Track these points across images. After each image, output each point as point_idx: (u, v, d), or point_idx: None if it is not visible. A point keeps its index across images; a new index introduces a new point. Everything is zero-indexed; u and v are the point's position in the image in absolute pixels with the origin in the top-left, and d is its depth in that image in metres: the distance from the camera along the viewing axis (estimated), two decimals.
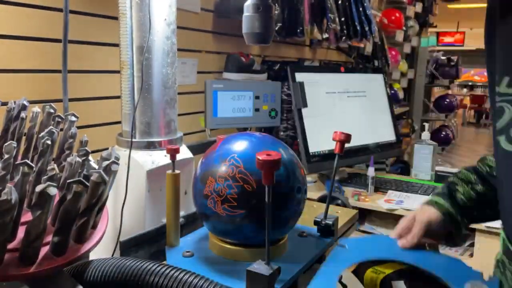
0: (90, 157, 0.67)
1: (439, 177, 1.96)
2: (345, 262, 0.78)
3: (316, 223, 0.85)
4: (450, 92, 6.83)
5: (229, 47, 1.94)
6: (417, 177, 2.01)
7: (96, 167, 0.63)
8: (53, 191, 0.51)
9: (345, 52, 3.14)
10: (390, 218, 1.74)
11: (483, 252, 1.51)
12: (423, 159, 1.99)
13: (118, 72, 0.96)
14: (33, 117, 0.75)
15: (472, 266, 0.80)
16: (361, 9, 2.57)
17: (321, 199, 1.18)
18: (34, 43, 1.19)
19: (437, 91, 6.46)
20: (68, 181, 0.55)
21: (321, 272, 0.72)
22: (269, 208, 0.61)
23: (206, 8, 1.80)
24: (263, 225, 0.63)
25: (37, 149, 0.67)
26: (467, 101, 12.41)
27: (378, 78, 2.17)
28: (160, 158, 0.94)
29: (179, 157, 0.80)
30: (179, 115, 1.02)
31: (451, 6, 7.20)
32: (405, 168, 2.51)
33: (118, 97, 0.98)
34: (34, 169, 0.58)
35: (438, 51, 5.74)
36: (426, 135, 2.04)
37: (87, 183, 0.55)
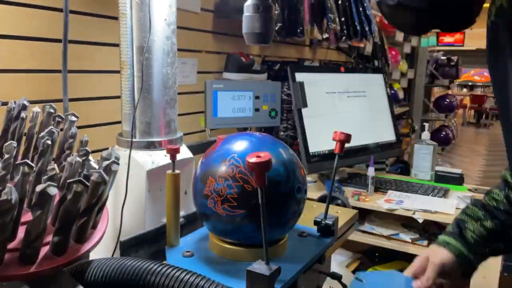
0: (90, 157, 0.67)
1: (439, 177, 1.96)
2: None
3: (316, 223, 0.85)
4: (450, 92, 6.84)
5: (229, 47, 1.94)
6: (417, 177, 2.01)
7: (96, 167, 0.63)
8: (53, 191, 0.51)
9: (345, 52, 3.14)
10: (390, 218, 1.74)
11: None
12: (423, 159, 2.00)
13: (118, 72, 0.96)
14: (33, 117, 0.75)
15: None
16: (361, 9, 2.57)
17: (321, 199, 1.18)
18: (34, 43, 1.19)
19: (437, 91, 6.46)
20: (68, 181, 0.55)
21: None
22: (263, 210, 0.61)
23: (206, 8, 1.80)
24: (266, 223, 0.63)
25: (37, 149, 0.67)
26: (467, 101, 12.41)
27: (378, 78, 2.17)
28: (160, 158, 0.94)
29: (179, 157, 0.80)
30: (179, 115, 1.02)
31: None
32: (405, 168, 2.51)
33: (118, 97, 0.98)
34: (34, 169, 0.58)
35: (438, 51, 5.74)
36: (426, 135, 2.04)
37: (87, 183, 0.55)
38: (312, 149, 1.75)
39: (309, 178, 1.90)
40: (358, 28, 2.51)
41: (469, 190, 1.87)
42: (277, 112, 1.82)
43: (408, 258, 1.85)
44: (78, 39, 1.28)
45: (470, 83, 14.62)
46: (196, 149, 1.13)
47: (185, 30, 1.69)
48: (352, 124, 1.95)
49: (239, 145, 0.74)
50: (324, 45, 2.66)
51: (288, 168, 0.73)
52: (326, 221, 0.84)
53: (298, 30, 2.11)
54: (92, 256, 0.67)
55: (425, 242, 1.64)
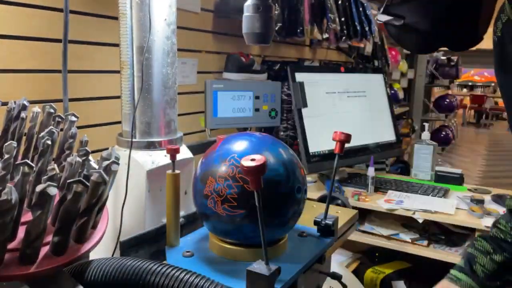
0: (90, 157, 0.67)
1: (439, 177, 1.96)
2: None
3: (316, 223, 0.85)
4: (450, 92, 6.84)
5: (229, 47, 1.94)
6: (417, 177, 2.01)
7: (96, 167, 0.63)
8: (53, 191, 0.51)
9: (345, 52, 3.14)
10: (390, 218, 1.74)
11: None
12: (423, 159, 2.00)
13: (118, 72, 0.96)
14: (33, 117, 0.75)
15: None
16: (361, 9, 2.57)
17: (321, 199, 1.18)
18: (34, 43, 1.19)
19: (437, 91, 6.46)
20: (68, 181, 0.55)
21: None
22: (261, 213, 0.61)
23: (206, 8, 1.80)
24: (263, 225, 0.63)
25: (37, 149, 0.67)
26: (467, 101, 12.41)
27: (378, 78, 2.17)
28: (160, 158, 0.94)
29: (179, 157, 0.80)
30: (179, 115, 1.02)
31: None
32: (405, 168, 2.51)
33: (118, 97, 0.98)
34: (34, 169, 0.58)
35: (438, 51, 5.74)
36: (426, 135, 2.04)
37: (87, 183, 0.55)
38: (312, 149, 1.75)
39: (309, 178, 1.90)
40: (358, 28, 2.51)
41: (469, 190, 1.87)
42: (277, 112, 1.82)
43: (408, 258, 1.86)
44: (78, 39, 1.28)
45: (470, 83, 14.62)
46: (196, 149, 1.13)
47: (185, 30, 1.69)
48: (352, 124, 1.96)
49: (239, 145, 0.74)
50: (324, 45, 2.66)
51: (288, 168, 0.73)
52: (326, 221, 0.84)
53: (298, 30, 2.11)
54: (92, 256, 0.67)
55: (425, 242, 1.64)
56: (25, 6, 1.15)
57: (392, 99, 2.93)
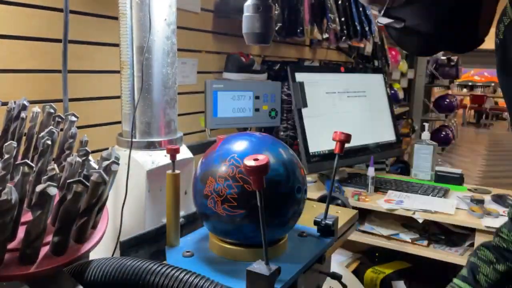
0: (90, 157, 0.67)
1: (439, 177, 1.96)
2: None
3: (316, 223, 0.85)
4: (450, 92, 6.84)
5: (229, 47, 1.94)
6: (417, 177, 2.01)
7: (96, 167, 0.63)
8: (53, 191, 0.51)
9: (345, 52, 3.14)
10: (390, 218, 1.74)
11: None
12: (423, 159, 2.00)
13: (118, 72, 0.96)
14: (33, 117, 0.75)
15: None
16: (361, 9, 2.57)
17: (321, 199, 1.18)
18: (34, 43, 1.19)
19: (437, 91, 6.45)
20: (68, 181, 0.55)
21: None
22: (262, 213, 0.61)
23: (206, 8, 1.80)
24: (265, 225, 0.63)
25: (37, 149, 0.67)
26: (467, 101, 12.41)
27: (378, 78, 2.17)
28: (160, 158, 0.94)
29: (179, 157, 0.80)
30: (179, 115, 1.02)
31: None
32: (405, 168, 2.51)
33: (118, 97, 0.98)
34: (34, 169, 0.58)
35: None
36: (426, 135, 2.04)
37: (87, 183, 0.55)
38: (312, 149, 1.75)
39: (309, 178, 1.90)
40: (358, 28, 2.51)
41: (469, 190, 1.88)
42: (277, 112, 1.82)
43: (408, 258, 1.86)
44: (78, 39, 1.28)
45: (470, 83, 14.63)
46: (196, 149, 1.13)
47: (185, 30, 1.69)
48: (352, 124, 1.95)
49: (239, 145, 0.74)
50: (324, 45, 2.66)
51: (288, 168, 0.73)
52: (326, 221, 0.84)
53: (298, 30, 2.11)
54: (92, 256, 0.67)
55: (425, 242, 1.64)
56: (25, 6, 1.15)
57: (392, 99, 2.92)
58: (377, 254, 1.93)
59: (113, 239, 0.86)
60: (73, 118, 0.75)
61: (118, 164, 0.63)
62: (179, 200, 0.79)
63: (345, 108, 1.94)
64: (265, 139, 0.77)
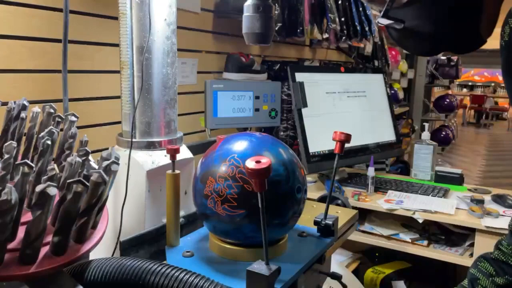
0: (90, 157, 0.67)
1: (439, 177, 1.96)
2: None
3: (316, 223, 0.85)
4: (450, 92, 6.84)
5: (229, 47, 1.94)
6: (417, 177, 2.01)
7: (96, 167, 0.63)
8: (53, 191, 0.51)
9: (345, 52, 3.14)
10: (390, 218, 1.74)
11: (483, 252, 1.51)
12: (423, 159, 2.00)
13: (118, 72, 0.96)
14: (33, 117, 0.75)
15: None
16: (361, 9, 2.57)
17: (321, 199, 1.18)
18: (34, 43, 1.19)
19: (437, 91, 6.46)
20: (68, 181, 0.55)
21: None
22: (263, 213, 0.61)
23: (206, 8, 1.80)
24: (266, 226, 0.63)
25: (37, 149, 0.67)
26: (467, 101, 12.41)
27: (378, 78, 2.17)
28: (160, 158, 0.94)
29: (179, 157, 0.80)
30: (179, 115, 1.02)
31: None
32: (405, 168, 2.51)
33: (118, 97, 0.98)
34: (34, 169, 0.58)
35: None
36: (426, 135, 2.04)
37: (87, 183, 0.55)
38: (312, 149, 1.75)
39: (309, 178, 1.90)
40: (358, 28, 2.51)
41: (469, 190, 1.87)
42: (277, 112, 1.82)
43: (408, 258, 1.86)
44: (78, 39, 1.28)
45: (470, 83, 14.64)
46: (196, 149, 1.13)
47: (185, 30, 1.69)
48: (352, 124, 1.96)
49: (239, 145, 0.74)
50: (324, 45, 2.66)
51: (288, 168, 0.73)
52: (326, 221, 0.84)
53: (298, 30, 2.11)
54: (92, 256, 0.67)
55: (425, 242, 1.64)
56: (25, 6, 1.15)
57: (392, 99, 2.93)
58: (377, 254, 1.94)
59: (113, 239, 0.86)
60: (73, 118, 0.75)
61: (118, 164, 0.63)
62: (179, 200, 0.79)
63: (345, 108, 1.94)
64: (265, 139, 0.77)
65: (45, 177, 0.55)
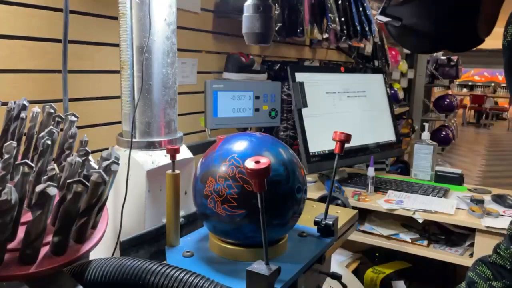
0: (90, 157, 0.67)
1: (439, 177, 1.96)
2: None
3: (316, 223, 0.85)
4: (450, 92, 6.83)
5: (229, 47, 1.94)
6: (417, 177, 2.01)
7: (96, 167, 0.63)
8: (53, 191, 0.51)
9: (345, 52, 3.14)
10: (390, 218, 1.74)
11: (483, 252, 1.51)
12: (423, 159, 2.00)
13: (118, 72, 0.96)
14: (33, 117, 0.75)
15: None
16: (361, 9, 2.57)
17: (321, 199, 1.18)
18: (34, 43, 1.19)
19: (437, 91, 6.45)
20: (68, 181, 0.55)
21: None
22: (263, 213, 0.61)
23: (206, 8, 1.80)
24: (265, 226, 0.63)
25: (37, 149, 0.67)
26: (467, 101, 12.41)
27: (378, 78, 2.17)
28: (160, 158, 0.94)
29: (179, 157, 0.80)
30: (179, 115, 1.02)
31: None
32: (405, 168, 2.51)
33: (118, 97, 0.98)
34: (34, 169, 0.58)
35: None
36: (426, 135, 2.04)
37: (87, 183, 0.55)
38: (312, 149, 1.75)
39: (309, 178, 1.90)
40: (358, 28, 2.51)
41: (469, 190, 1.87)
42: (277, 112, 1.82)
43: (408, 258, 1.86)
44: (78, 39, 1.28)
45: (470, 83, 14.64)
46: (196, 149, 1.13)
47: (185, 30, 1.69)
48: (352, 124, 1.96)
49: (239, 145, 0.74)
50: (324, 45, 2.66)
51: (288, 168, 0.73)
52: (326, 221, 0.84)
53: (298, 30, 2.11)
54: (92, 256, 0.67)
55: (425, 242, 1.64)
56: (25, 6, 1.15)
57: (392, 99, 2.93)
58: (377, 254, 1.93)
59: (113, 239, 0.86)
60: (73, 118, 0.75)
61: (118, 164, 0.63)
62: (179, 200, 0.79)
63: (345, 108, 1.94)
64: (265, 139, 0.77)
65: (45, 177, 0.55)
